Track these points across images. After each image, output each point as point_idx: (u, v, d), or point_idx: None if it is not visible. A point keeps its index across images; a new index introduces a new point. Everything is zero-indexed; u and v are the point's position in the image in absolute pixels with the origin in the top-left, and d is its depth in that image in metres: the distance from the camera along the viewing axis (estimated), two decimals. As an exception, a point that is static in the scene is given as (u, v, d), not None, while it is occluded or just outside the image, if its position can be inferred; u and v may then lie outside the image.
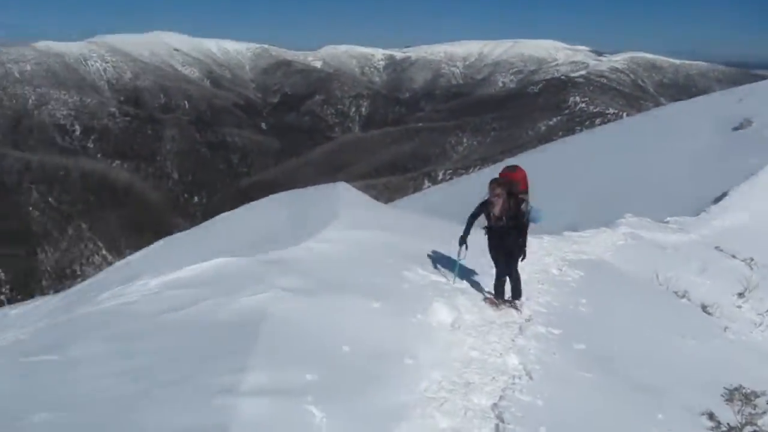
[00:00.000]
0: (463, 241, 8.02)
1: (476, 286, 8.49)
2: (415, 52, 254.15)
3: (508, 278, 8.02)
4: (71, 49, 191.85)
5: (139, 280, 7.91)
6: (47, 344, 6.29)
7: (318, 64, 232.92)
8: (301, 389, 4.54)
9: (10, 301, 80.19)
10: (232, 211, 15.16)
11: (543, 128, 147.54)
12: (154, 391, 4.55)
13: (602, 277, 10.43)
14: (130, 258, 13.58)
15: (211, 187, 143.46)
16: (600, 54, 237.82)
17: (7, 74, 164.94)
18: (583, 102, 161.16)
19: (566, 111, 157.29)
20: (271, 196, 15.82)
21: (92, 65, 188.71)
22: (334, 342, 5.58)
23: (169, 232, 22.31)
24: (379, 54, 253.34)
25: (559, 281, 9.42)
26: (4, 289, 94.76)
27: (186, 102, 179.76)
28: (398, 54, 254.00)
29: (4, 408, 4.73)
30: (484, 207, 7.83)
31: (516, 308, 7.77)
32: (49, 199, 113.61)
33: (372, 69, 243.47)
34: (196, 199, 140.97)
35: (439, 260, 9.14)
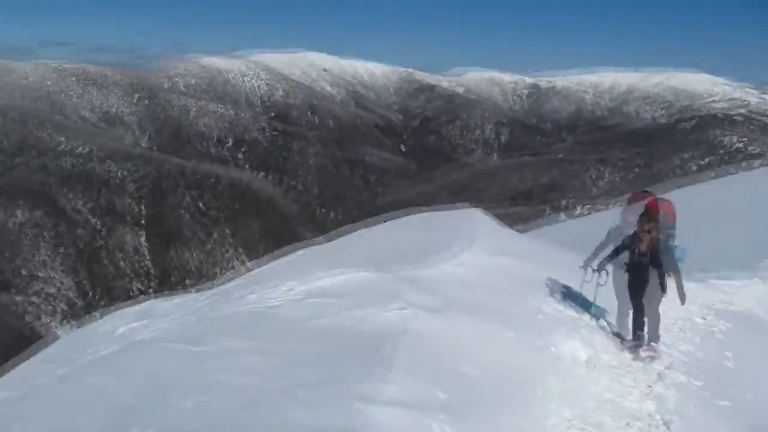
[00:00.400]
0: (602, 267, 7.84)
1: (613, 325, 8.22)
2: (558, 81, 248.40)
3: (645, 319, 7.54)
4: (231, 65, 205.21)
5: (283, 286, 8.33)
6: (195, 337, 6.76)
7: (460, 90, 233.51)
8: (434, 406, 4.64)
9: (156, 294, 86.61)
10: (371, 227, 15.60)
11: (694, 168, 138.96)
12: (295, 390, 4.80)
13: (751, 332, 9.72)
14: (272, 264, 14.31)
15: (346, 204, 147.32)
16: (764, 91, 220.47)
17: (173, 87, 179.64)
18: (740, 142, 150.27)
19: (721, 150, 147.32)
20: (407, 216, 16.13)
21: (248, 82, 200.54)
22: (466, 364, 5.63)
23: (305, 245, 23.03)
24: (521, 81, 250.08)
25: (703, 331, 8.88)
26: (152, 283, 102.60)
27: (330, 120, 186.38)
28: (542, 83, 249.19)
29: (158, 390, 5.20)
30: (630, 242, 7.49)
31: (651, 353, 7.29)
32: (199, 203, 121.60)
33: (514, 97, 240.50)
34: (331, 214, 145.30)
35: (575, 295, 8.93)
